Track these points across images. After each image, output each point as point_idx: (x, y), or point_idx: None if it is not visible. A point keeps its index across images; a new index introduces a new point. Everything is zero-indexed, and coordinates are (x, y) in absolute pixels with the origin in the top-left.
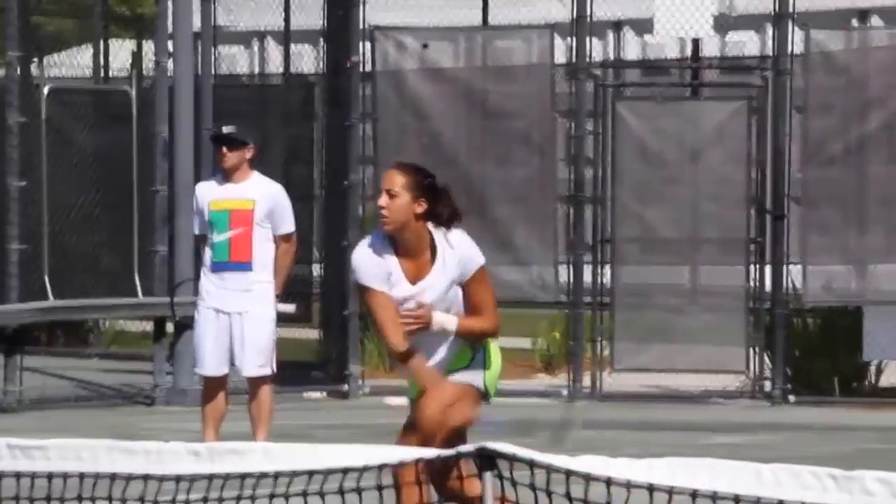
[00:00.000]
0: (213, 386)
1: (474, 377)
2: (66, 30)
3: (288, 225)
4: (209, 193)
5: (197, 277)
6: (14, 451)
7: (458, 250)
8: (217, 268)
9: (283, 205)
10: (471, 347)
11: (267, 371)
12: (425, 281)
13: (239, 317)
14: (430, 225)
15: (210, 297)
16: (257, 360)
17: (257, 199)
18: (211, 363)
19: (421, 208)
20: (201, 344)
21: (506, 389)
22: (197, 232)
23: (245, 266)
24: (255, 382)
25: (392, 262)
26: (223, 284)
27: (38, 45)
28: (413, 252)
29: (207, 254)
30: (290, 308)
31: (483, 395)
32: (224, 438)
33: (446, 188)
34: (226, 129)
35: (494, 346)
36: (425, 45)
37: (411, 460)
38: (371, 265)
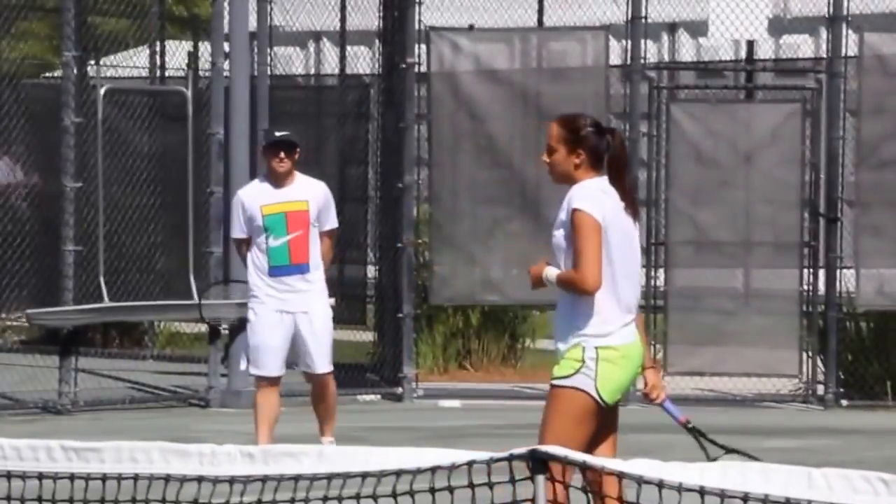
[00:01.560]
0: (269, 387)
1: (583, 381)
2: (123, 30)
3: (333, 221)
4: (260, 198)
5: (227, 280)
6: (69, 452)
7: (569, 193)
8: (277, 272)
9: (329, 201)
10: (581, 357)
11: (332, 367)
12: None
13: (305, 316)
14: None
15: (271, 300)
16: (327, 357)
17: (309, 200)
18: (273, 364)
19: (579, 159)
20: (263, 345)
21: None
22: (240, 236)
23: (304, 267)
24: (323, 380)
25: None
26: (285, 287)
27: (95, 45)
28: None
29: (261, 258)
30: (331, 302)
31: (596, 402)
32: (277, 440)
33: (615, 136)
34: (279, 134)
35: (607, 358)
36: (471, 27)
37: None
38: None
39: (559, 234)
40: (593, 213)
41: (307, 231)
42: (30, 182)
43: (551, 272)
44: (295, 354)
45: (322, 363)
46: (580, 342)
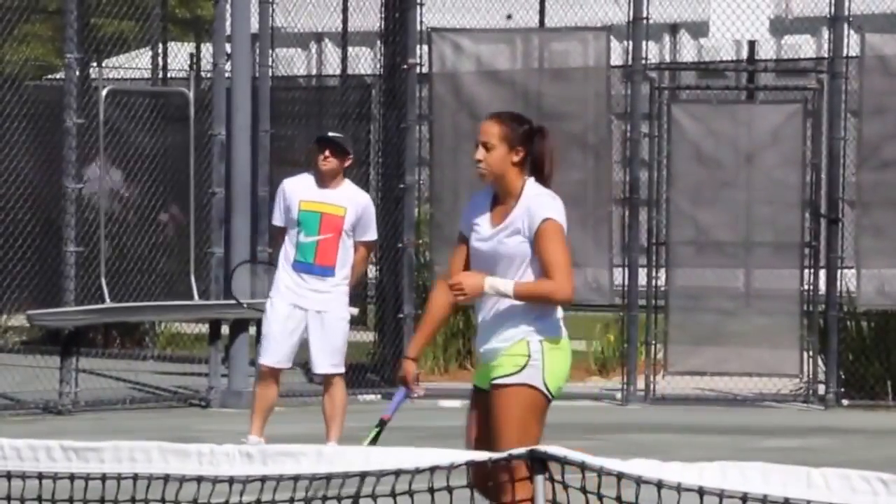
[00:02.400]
0: (270, 377)
1: (531, 376)
2: (125, 32)
3: (372, 233)
4: (301, 192)
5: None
6: (68, 452)
7: (527, 199)
8: (300, 268)
9: (369, 214)
10: (527, 352)
11: (341, 369)
12: (500, 226)
13: (317, 315)
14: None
15: (289, 292)
16: (332, 359)
17: (348, 207)
18: (277, 355)
19: (518, 157)
20: (270, 334)
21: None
22: (277, 223)
23: (328, 270)
24: (329, 381)
25: (484, 211)
26: (304, 283)
27: (97, 47)
28: (505, 198)
29: (290, 250)
30: (354, 311)
31: (545, 396)
32: (276, 440)
33: (543, 133)
34: (332, 134)
35: (553, 347)
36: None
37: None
38: (464, 216)
39: (516, 242)
40: (561, 220)
41: (338, 236)
42: (131, 189)
43: (503, 283)
44: (306, 353)
45: (323, 364)
46: (525, 338)
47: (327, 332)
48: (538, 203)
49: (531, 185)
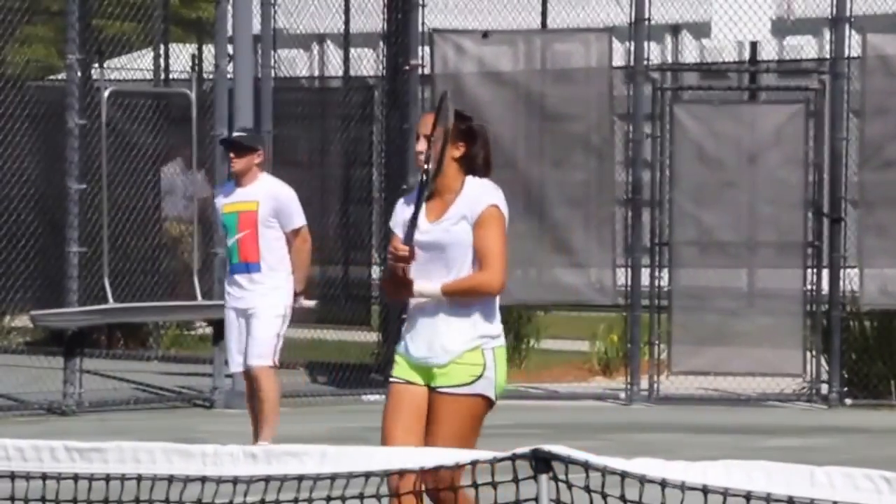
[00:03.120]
0: (248, 381)
1: (486, 388)
2: (127, 33)
3: (297, 220)
4: (223, 198)
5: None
6: (72, 453)
7: (471, 189)
8: (232, 269)
9: (287, 202)
10: (482, 362)
11: (267, 362)
12: (443, 216)
13: (248, 312)
14: (465, 170)
15: (230, 297)
16: (256, 350)
17: (261, 200)
18: (236, 361)
19: (459, 152)
20: (228, 344)
21: (564, 392)
22: (222, 233)
23: (253, 266)
24: (255, 374)
25: (418, 208)
26: (236, 285)
27: (99, 48)
28: (442, 193)
29: (226, 257)
30: (311, 304)
31: (492, 403)
32: (279, 441)
33: (484, 132)
34: (235, 134)
35: (502, 355)
36: (485, 35)
37: (414, 469)
38: (397, 212)
39: (464, 229)
40: (504, 211)
41: (255, 231)
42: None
43: (430, 287)
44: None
45: (250, 356)
46: (479, 345)
47: (253, 326)
48: (484, 191)
49: (472, 179)
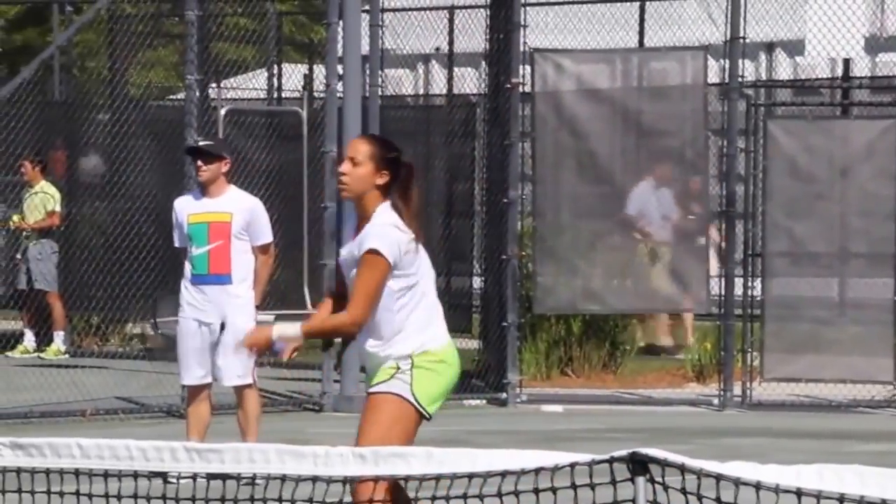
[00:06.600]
0: (195, 395)
1: (399, 388)
2: (243, 54)
3: (265, 236)
4: (188, 207)
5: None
6: (191, 453)
7: (369, 225)
8: (197, 280)
9: (259, 217)
10: (396, 364)
11: (248, 380)
12: (354, 242)
13: (219, 328)
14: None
15: (191, 308)
16: (237, 371)
17: (234, 212)
18: (194, 373)
19: (382, 180)
20: (181, 353)
21: (658, 398)
22: (177, 245)
23: (224, 278)
24: (240, 393)
25: (353, 228)
26: (204, 297)
27: (216, 68)
28: (361, 220)
29: (187, 267)
30: (269, 318)
31: (417, 410)
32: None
33: (410, 168)
34: (202, 143)
35: (423, 369)
36: (437, 49)
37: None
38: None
39: (350, 258)
40: (386, 252)
41: (228, 242)
42: None
43: (291, 328)
44: (211, 364)
45: (229, 376)
46: (395, 364)
47: (227, 344)
48: (372, 232)
49: (382, 210)
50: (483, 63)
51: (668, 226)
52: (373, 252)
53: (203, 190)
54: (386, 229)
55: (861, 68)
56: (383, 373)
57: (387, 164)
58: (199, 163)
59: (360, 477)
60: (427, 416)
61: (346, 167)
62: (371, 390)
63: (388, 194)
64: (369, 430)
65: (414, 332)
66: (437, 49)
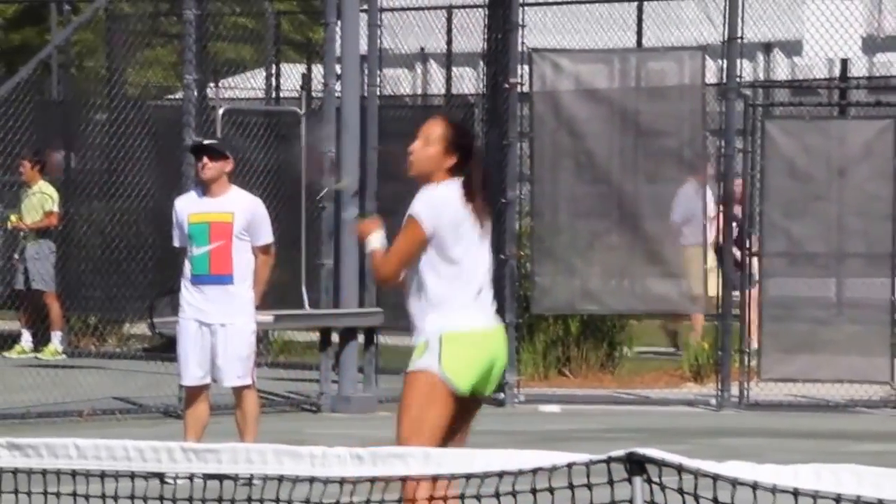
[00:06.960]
0: (194, 396)
1: (428, 363)
2: (241, 54)
3: (266, 237)
4: (189, 207)
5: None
6: (188, 453)
7: (420, 192)
8: (197, 280)
9: (261, 217)
10: (426, 340)
11: (247, 381)
12: None
13: (221, 328)
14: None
15: (191, 308)
16: (237, 371)
17: (236, 212)
18: (193, 374)
19: (450, 162)
20: (181, 354)
21: (656, 398)
22: (177, 245)
23: (226, 279)
24: (238, 393)
25: None
26: (204, 297)
27: (214, 68)
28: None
29: (187, 266)
30: (268, 318)
31: (446, 385)
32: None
33: (479, 154)
34: (207, 141)
35: (451, 345)
36: (422, 49)
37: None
38: None
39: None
40: (423, 214)
41: (229, 243)
42: None
43: (374, 241)
44: (211, 365)
45: (229, 377)
46: (425, 338)
47: (230, 343)
48: (419, 197)
49: (443, 183)
50: (481, 63)
51: (712, 228)
52: (412, 216)
53: (205, 189)
54: (432, 198)
55: (858, 69)
56: (416, 351)
57: (457, 148)
58: (206, 159)
59: (410, 476)
60: (458, 390)
61: (416, 146)
62: (406, 370)
63: (454, 175)
64: (403, 411)
65: (449, 312)
66: (422, 49)
